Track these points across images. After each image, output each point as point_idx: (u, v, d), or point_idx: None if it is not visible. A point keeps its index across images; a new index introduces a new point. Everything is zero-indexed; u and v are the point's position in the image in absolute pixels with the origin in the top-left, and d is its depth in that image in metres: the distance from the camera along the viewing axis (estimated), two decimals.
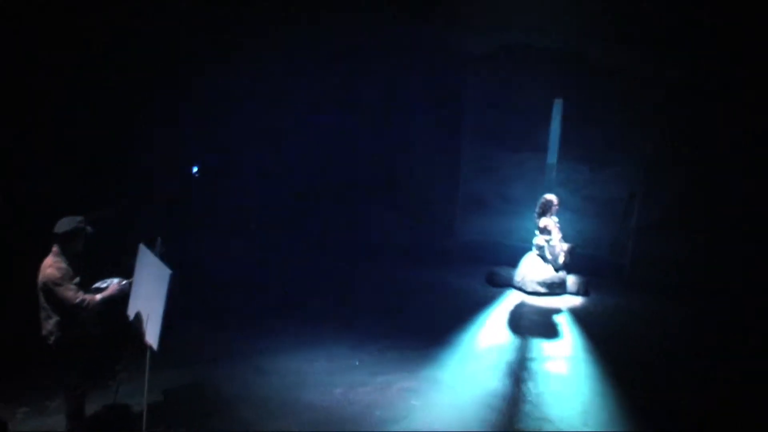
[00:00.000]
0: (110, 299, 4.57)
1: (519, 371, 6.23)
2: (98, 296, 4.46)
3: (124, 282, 4.65)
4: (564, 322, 7.63)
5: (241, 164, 9.68)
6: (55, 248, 4.39)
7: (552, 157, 10.01)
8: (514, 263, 9.14)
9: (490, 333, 7.19)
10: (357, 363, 6.18)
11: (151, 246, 4.88)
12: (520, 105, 9.32)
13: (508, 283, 8.80)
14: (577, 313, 7.94)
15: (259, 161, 9.64)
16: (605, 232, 9.35)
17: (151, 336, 4.50)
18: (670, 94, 8.42)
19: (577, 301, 8.41)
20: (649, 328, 7.53)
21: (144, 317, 4.58)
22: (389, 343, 6.67)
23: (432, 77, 9.22)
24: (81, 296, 4.34)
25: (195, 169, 9.86)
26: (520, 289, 8.65)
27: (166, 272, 4.29)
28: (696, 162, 8.45)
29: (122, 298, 4.72)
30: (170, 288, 4.24)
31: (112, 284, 4.63)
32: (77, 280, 4.41)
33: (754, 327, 7.60)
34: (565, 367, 6.37)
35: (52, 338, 4.39)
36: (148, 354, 4.68)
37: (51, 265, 4.33)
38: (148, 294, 4.61)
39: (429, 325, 7.27)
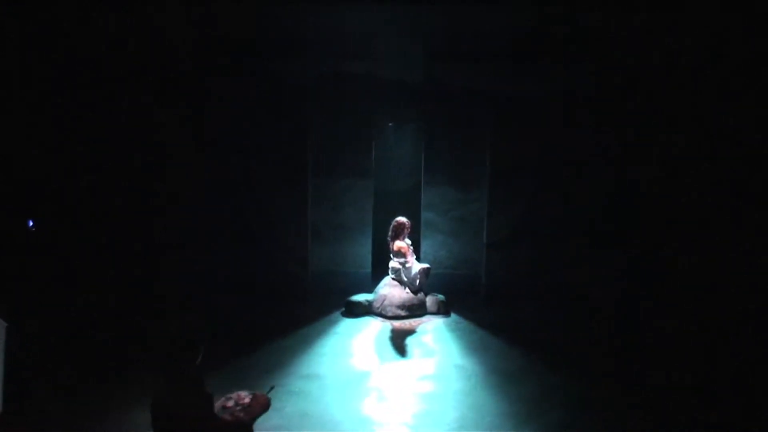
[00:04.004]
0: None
1: (389, 395, 5.97)
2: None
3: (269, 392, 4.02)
4: (428, 342, 7.52)
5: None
6: None
7: (398, 181, 10.15)
8: (363, 290, 9.03)
9: (354, 361, 6.86)
10: None
11: None
12: (347, 131, 9.34)
13: (367, 311, 8.56)
14: (439, 332, 7.88)
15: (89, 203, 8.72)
16: (473, 250, 9.49)
17: None
18: (505, 108, 8.86)
19: (439, 320, 8.37)
20: (508, 338, 7.62)
21: None
22: (250, 383, 6.06)
23: (270, 108, 8.94)
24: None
25: (30, 223, 8.71)
26: (380, 314, 8.45)
27: (1, 325, 3.60)
28: (538, 172, 8.90)
29: None
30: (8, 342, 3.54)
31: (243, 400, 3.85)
32: None
33: (607, 327, 8.11)
34: (434, 385, 6.19)
35: None
36: None
37: None
38: None
39: (290, 360, 6.77)
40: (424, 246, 9.58)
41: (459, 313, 8.66)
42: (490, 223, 9.05)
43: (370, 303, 8.61)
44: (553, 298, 8.80)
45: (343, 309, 8.62)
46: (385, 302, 8.46)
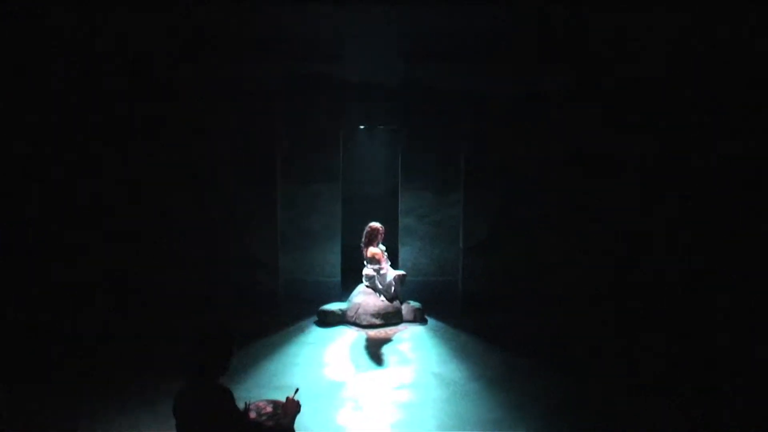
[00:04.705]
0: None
1: (365, 405, 5.68)
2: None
3: (295, 394, 3.82)
4: (405, 351, 7.25)
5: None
6: None
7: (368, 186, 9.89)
8: (333, 299, 8.77)
9: (328, 371, 6.55)
10: None
11: None
12: (315, 134, 9.09)
13: (341, 320, 8.26)
14: (416, 340, 7.61)
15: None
16: (453, 256, 9.25)
17: None
18: (481, 110, 8.69)
19: (416, 328, 8.11)
20: (487, 344, 7.43)
21: None
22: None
23: (236, 110, 8.61)
24: None
25: None
26: (354, 323, 8.16)
27: None
28: (515, 174, 8.74)
29: None
30: None
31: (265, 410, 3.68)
32: None
33: (588, 331, 7.95)
34: (412, 394, 5.91)
35: None
36: None
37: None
38: None
39: (261, 371, 6.43)
40: (403, 252, 9.34)
41: (436, 320, 8.43)
42: (466, 228, 8.83)
43: (343, 312, 8.31)
44: (531, 303, 8.62)
45: (316, 318, 8.31)
46: (360, 311, 8.18)
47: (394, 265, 8.87)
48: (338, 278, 9.31)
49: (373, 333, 7.90)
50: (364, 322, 8.09)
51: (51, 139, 8.25)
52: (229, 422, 3.22)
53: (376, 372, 6.56)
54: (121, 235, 8.44)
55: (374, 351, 7.24)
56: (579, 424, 5.30)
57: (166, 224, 8.55)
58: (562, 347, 7.38)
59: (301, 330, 7.97)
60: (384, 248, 8.61)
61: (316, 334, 7.86)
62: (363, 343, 7.55)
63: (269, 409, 3.69)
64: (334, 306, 8.42)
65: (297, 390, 3.95)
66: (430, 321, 8.39)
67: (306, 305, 8.65)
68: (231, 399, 3.26)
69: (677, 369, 6.59)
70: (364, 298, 8.32)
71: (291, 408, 3.68)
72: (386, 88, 8.91)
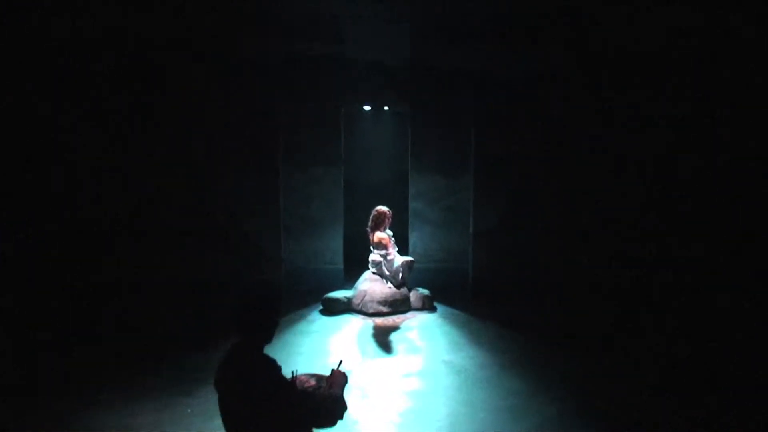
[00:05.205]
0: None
1: (372, 393, 5.42)
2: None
3: (339, 366, 3.71)
4: (413, 338, 6.97)
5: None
6: None
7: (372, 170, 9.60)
8: (336, 287, 8.52)
9: (334, 360, 6.25)
10: (189, 411, 4.96)
11: None
12: (316, 117, 8.81)
13: (347, 308, 8.00)
14: (425, 328, 7.33)
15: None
16: (465, 242, 8.94)
17: None
18: (491, 92, 8.37)
19: (424, 316, 7.83)
20: (498, 331, 7.16)
21: None
22: None
23: (235, 93, 8.29)
24: None
25: None
26: (360, 311, 7.89)
27: None
28: (526, 159, 8.44)
29: None
30: None
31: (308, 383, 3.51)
32: None
33: (591, 323, 7.63)
34: (422, 382, 5.64)
35: None
36: None
37: None
38: None
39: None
40: (413, 238, 9.07)
41: (445, 307, 8.16)
42: (477, 213, 8.52)
43: (349, 299, 8.04)
44: (542, 289, 8.33)
45: (320, 307, 8.04)
46: (366, 298, 7.91)
47: (403, 251, 8.58)
48: (341, 265, 9.05)
49: (380, 321, 7.63)
50: (371, 310, 7.82)
51: (51, 139, 7.98)
52: (277, 392, 3.05)
53: (383, 360, 6.29)
54: (121, 234, 8.16)
55: (381, 339, 6.97)
56: (593, 413, 5.04)
57: (167, 225, 8.26)
58: (576, 336, 7.12)
59: (306, 319, 7.71)
60: (391, 233, 8.32)
61: (320, 322, 7.59)
62: (370, 331, 7.28)
63: (312, 382, 3.58)
64: (339, 294, 8.14)
65: (341, 362, 3.85)
66: (440, 308, 8.13)
67: (310, 294, 8.41)
68: (278, 368, 3.10)
69: (677, 369, 6.28)
70: (370, 285, 8.05)
71: (339, 379, 3.58)
72: (391, 68, 8.61)
